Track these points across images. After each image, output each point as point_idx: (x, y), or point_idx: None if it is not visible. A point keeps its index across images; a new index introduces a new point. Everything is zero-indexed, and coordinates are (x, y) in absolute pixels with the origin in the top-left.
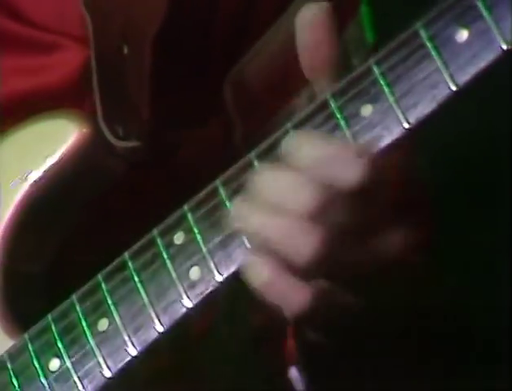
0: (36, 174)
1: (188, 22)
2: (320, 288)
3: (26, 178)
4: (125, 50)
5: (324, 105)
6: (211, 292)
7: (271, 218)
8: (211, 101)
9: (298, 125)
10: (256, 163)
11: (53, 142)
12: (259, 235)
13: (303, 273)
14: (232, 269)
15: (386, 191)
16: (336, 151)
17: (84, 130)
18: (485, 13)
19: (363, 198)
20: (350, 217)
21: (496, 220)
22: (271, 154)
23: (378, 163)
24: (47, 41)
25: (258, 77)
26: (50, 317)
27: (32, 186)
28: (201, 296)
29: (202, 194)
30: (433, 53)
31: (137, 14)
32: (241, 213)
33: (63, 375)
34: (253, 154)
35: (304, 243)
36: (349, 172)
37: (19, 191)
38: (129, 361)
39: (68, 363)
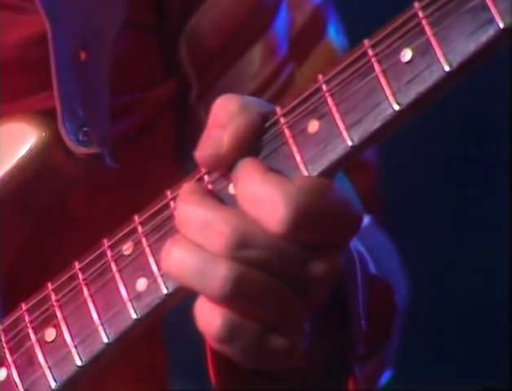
0: None
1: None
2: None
3: None
4: (83, 57)
5: (274, 122)
6: (158, 305)
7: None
8: (166, 61)
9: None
10: (206, 178)
11: (12, 145)
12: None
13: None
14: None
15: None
16: (270, 190)
17: (43, 134)
18: (429, 33)
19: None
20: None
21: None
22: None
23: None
24: (16, 5)
25: (211, 32)
26: None
27: None
28: (148, 308)
29: (153, 206)
30: (377, 72)
31: (95, 20)
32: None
33: (9, 386)
34: (203, 170)
35: (215, 280)
36: (278, 213)
37: None
38: (75, 372)
39: (15, 374)
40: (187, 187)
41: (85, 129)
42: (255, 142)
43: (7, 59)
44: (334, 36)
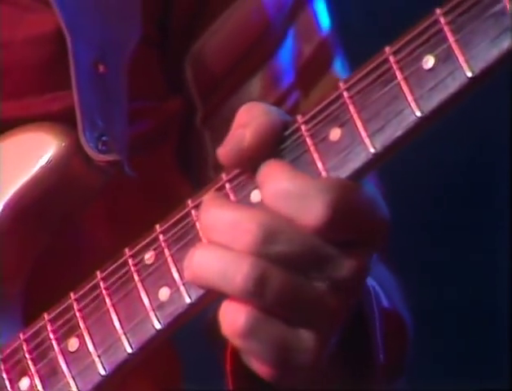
0: (14, 188)
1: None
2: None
3: (4, 192)
4: (101, 69)
5: (295, 129)
6: (181, 314)
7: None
8: (170, 78)
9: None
10: (227, 186)
11: (32, 155)
12: (198, 277)
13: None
14: (202, 291)
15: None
16: (302, 185)
17: (63, 144)
18: (451, 40)
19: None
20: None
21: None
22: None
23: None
24: (23, 4)
25: (217, 56)
26: (21, 336)
27: (9, 200)
28: (170, 318)
29: (174, 215)
30: (399, 79)
31: (113, 33)
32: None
33: None
34: (224, 176)
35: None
36: (314, 208)
37: None
38: (98, 381)
39: (38, 383)
40: (209, 195)
41: (104, 138)
42: (276, 150)
43: (12, 57)
44: (340, 69)
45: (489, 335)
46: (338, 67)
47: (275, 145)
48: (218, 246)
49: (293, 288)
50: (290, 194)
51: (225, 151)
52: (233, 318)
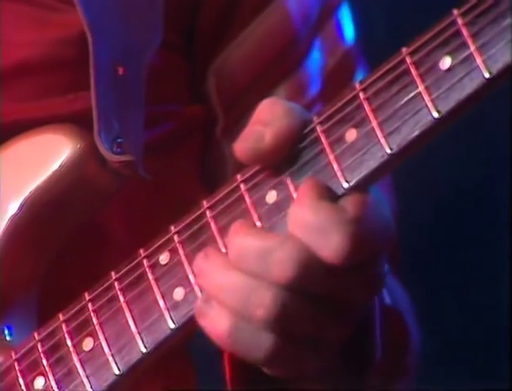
0: (29, 189)
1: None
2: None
3: (20, 193)
4: (120, 72)
5: (311, 130)
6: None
7: (233, 279)
8: (193, 86)
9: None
10: (243, 186)
11: (48, 156)
12: (219, 296)
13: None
14: None
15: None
16: (325, 216)
17: (79, 145)
18: (468, 40)
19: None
20: (322, 286)
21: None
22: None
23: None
24: (48, 4)
25: (241, 68)
26: (36, 336)
27: (24, 201)
28: (185, 318)
29: (189, 215)
30: (416, 79)
31: (134, 37)
32: (203, 268)
33: None
34: (239, 176)
35: (262, 304)
36: (334, 240)
37: (12, 207)
38: (112, 381)
39: (53, 383)
40: (237, 224)
41: (119, 140)
42: (293, 149)
43: (38, 57)
44: None
45: (489, 335)
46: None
47: (292, 147)
48: (244, 271)
49: (311, 319)
50: (310, 226)
51: (242, 147)
52: (255, 343)
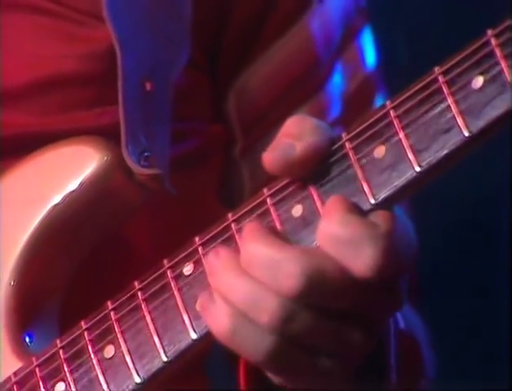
0: (56, 199)
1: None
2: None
3: (47, 202)
4: (148, 87)
5: (339, 146)
6: None
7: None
8: (215, 105)
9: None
10: (269, 201)
11: (75, 168)
12: (226, 295)
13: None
14: None
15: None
16: (356, 230)
17: (106, 158)
18: (502, 61)
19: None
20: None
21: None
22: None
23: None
24: (75, 18)
25: (263, 89)
26: (58, 342)
27: (51, 210)
28: (207, 328)
29: (214, 228)
30: (448, 98)
31: (162, 53)
32: (214, 268)
33: None
34: (265, 190)
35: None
36: (366, 254)
37: (39, 215)
38: (133, 389)
39: (73, 389)
40: (251, 225)
41: (146, 154)
42: (322, 165)
43: (65, 71)
44: None
45: (489, 335)
46: (380, 103)
47: (320, 163)
48: (252, 276)
49: (317, 328)
50: (341, 240)
51: (271, 157)
52: (259, 345)
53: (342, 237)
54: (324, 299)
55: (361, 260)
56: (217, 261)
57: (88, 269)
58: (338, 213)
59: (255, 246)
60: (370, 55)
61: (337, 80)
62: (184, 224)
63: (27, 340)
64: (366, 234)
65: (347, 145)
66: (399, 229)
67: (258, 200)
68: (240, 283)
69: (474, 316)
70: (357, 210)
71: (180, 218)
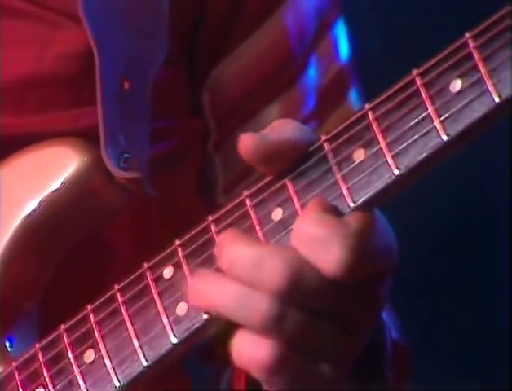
0: (35, 201)
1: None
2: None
3: (27, 204)
4: (126, 86)
5: (318, 147)
6: (198, 329)
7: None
8: (193, 101)
9: (294, 170)
10: (248, 202)
11: (54, 169)
12: (214, 305)
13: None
14: None
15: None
16: (327, 229)
17: (85, 159)
18: (479, 64)
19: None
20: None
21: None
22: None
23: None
24: (51, 19)
25: (234, 83)
26: (38, 346)
27: (30, 213)
28: (187, 333)
29: (193, 229)
30: (425, 101)
31: (138, 51)
32: (196, 288)
33: None
34: (245, 192)
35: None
36: (334, 253)
37: (18, 218)
38: None
39: None
40: (227, 231)
41: (126, 155)
42: (300, 168)
43: (41, 72)
44: (355, 99)
45: (489, 335)
46: (354, 97)
47: (299, 161)
48: (237, 279)
49: (311, 328)
50: (312, 238)
51: (247, 141)
52: (253, 353)
53: (313, 236)
54: (307, 297)
55: (329, 258)
56: (198, 282)
57: (69, 271)
58: (313, 212)
59: (235, 248)
60: (344, 48)
61: (311, 73)
62: (165, 223)
63: (7, 344)
64: (335, 232)
65: (326, 146)
66: (377, 229)
67: (237, 201)
68: (226, 288)
69: (474, 316)
70: (334, 211)
71: (161, 218)
